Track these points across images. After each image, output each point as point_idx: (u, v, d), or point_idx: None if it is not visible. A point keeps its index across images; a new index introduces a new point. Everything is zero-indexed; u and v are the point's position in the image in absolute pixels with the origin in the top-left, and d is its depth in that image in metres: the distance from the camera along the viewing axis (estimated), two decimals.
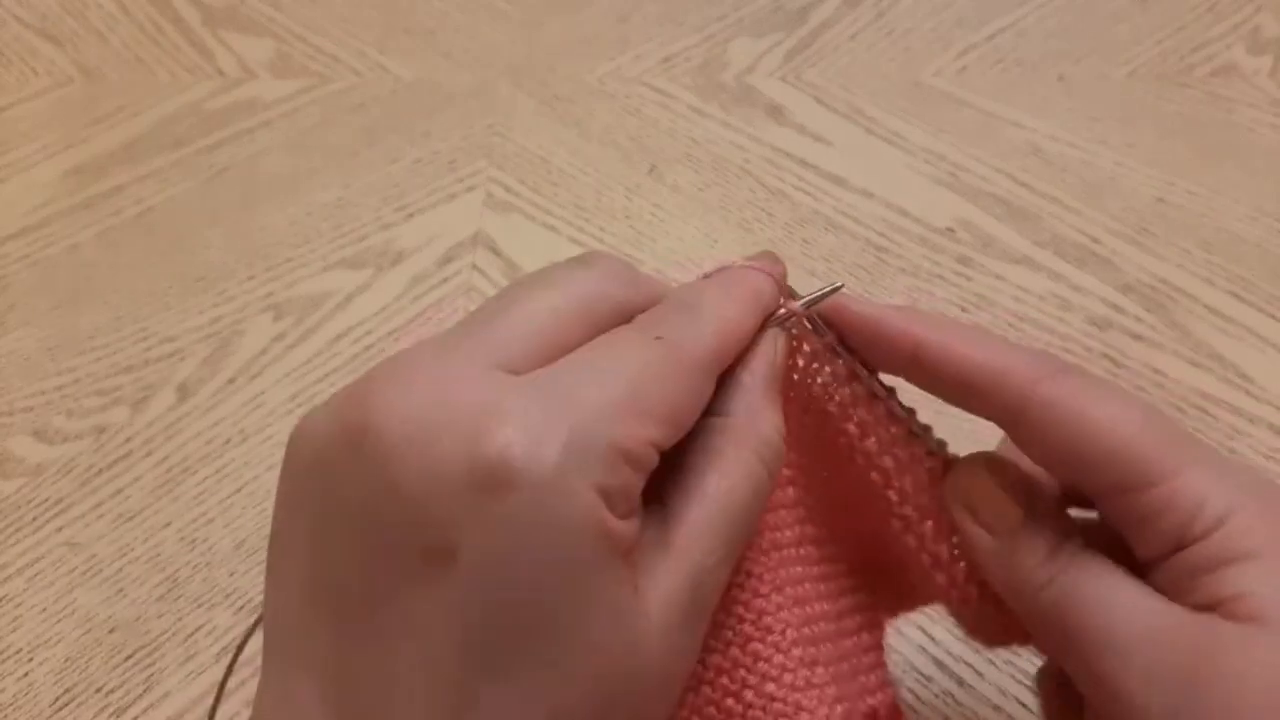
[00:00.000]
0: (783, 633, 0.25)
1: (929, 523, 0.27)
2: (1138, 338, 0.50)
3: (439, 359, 0.22)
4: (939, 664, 0.39)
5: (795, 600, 0.26)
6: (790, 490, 0.27)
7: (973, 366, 0.25)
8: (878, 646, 0.29)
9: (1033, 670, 0.39)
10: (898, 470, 0.27)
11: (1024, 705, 0.39)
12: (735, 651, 0.25)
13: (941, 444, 0.27)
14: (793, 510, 0.27)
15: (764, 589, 0.25)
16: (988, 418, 0.26)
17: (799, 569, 0.27)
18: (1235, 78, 0.63)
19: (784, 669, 0.25)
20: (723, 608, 0.25)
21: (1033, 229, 0.55)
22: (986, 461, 0.27)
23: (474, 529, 0.20)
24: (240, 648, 0.35)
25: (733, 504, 0.23)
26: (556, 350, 0.22)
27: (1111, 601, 0.23)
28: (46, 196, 0.58)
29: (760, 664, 0.25)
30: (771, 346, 0.26)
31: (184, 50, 0.67)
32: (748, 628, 0.25)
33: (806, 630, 0.26)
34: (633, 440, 0.21)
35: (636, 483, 0.22)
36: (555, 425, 0.20)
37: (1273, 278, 0.52)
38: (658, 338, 0.23)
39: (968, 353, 0.25)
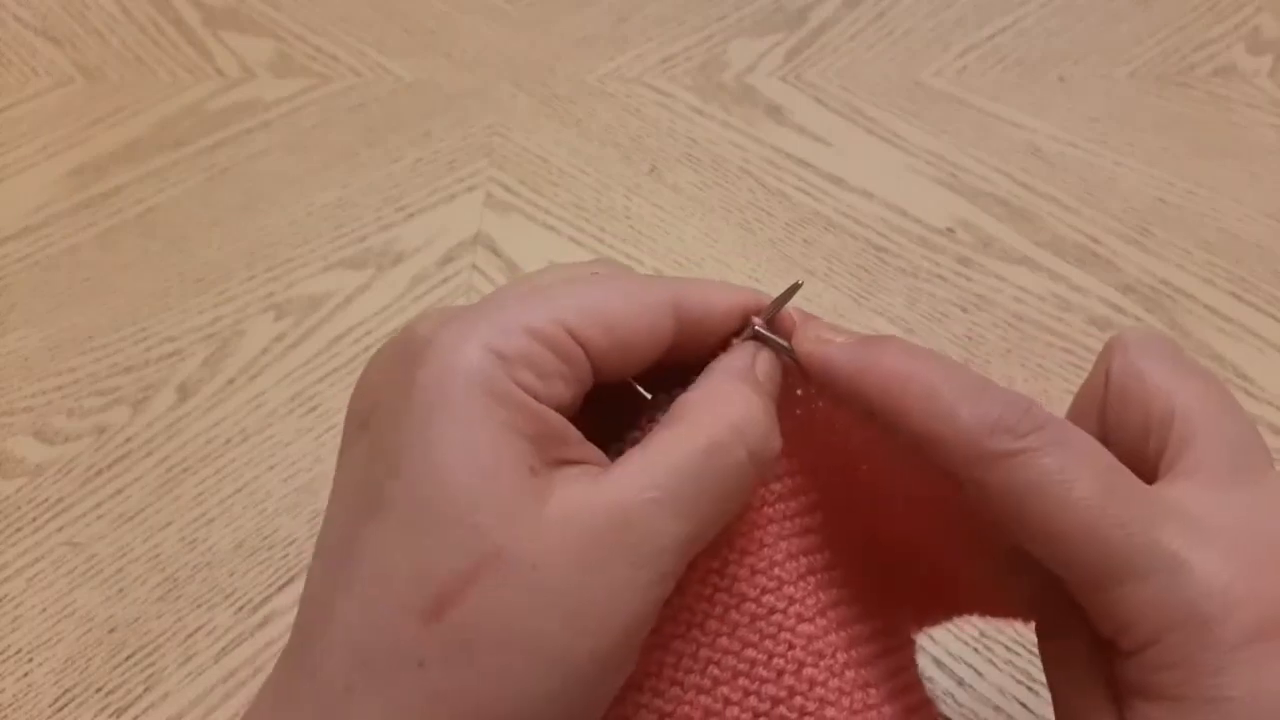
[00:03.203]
0: (834, 656, 0.25)
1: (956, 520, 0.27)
2: None
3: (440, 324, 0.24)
4: (939, 664, 0.39)
5: (839, 623, 0.26)
6: (819, 515, 0.27)
7: (926, 434, 0.23)
8: (913, 663, 0.29)
9: (1033, 670, 0.39)
10: (915, 480, 0.26)
11: (1024, 705, 0.39)
12: (790, 680, 0.24)
13: None
14: (821, 535, 0.27)
15: (809, 613, 0.25)
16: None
17: (836, 591, 0.26)
18: (1235, 78, 0.63)
19: (841, 692, 0.25)
20: (770, 638, 0.25)
21: (1033, 229, 0.55)
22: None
23: (385, 395, 0.22)
24: None
25: (678, 454, 0.22)
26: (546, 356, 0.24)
27: (1071, 687, 0.24)
28: (47, 196, 0.58)
29: (817, 689, 0.24)
30: (748, 350, 0.25)
31: (184, 50, 0.67)
32: (799, 653, 0.25)
33: (855, 653, 0.25)
34: (540, 319, 0.22)
35: (545, 356, 0.22)
36: (475, 310, 0.23)
37: (1273, 278, 0.52)
38: (594, 273, 0.25)
39: (923, 418, 0.23)
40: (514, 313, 0.23)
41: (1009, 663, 0.40)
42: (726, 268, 0.54)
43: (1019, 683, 0.39)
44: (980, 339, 0.50)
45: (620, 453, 0.23)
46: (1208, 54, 0.65)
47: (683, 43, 0.67)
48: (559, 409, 0.23)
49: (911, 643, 0.30)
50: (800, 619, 0.25)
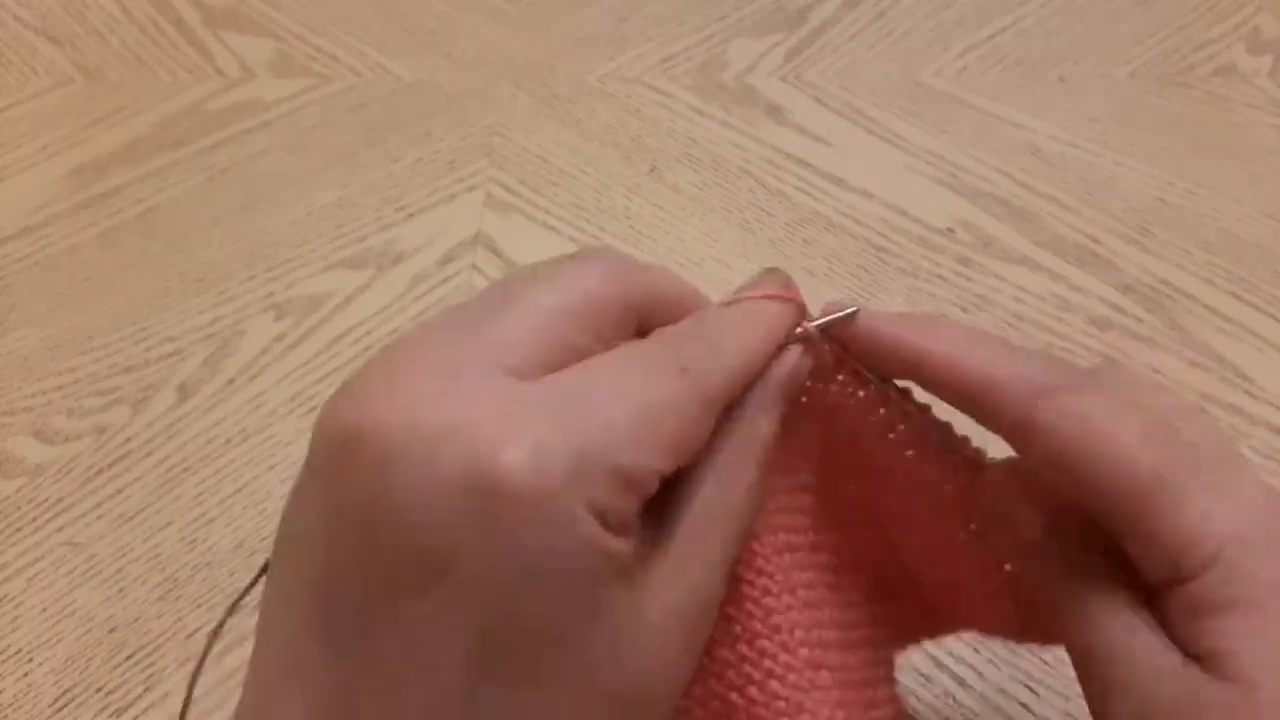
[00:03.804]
0: (790, 632, 0.25)
1: (971, 526, 0.27)
2: (1138, 338, 0.50)
3: (441, 358, 0.21)
4: (939, 664, 0.39)
5: (806, 603, 0.26)
6: (807, 497, 0.27)
7: (969, 380, 0.24)
8: (887, 663, 0.29)
9: (1033, 670, 0.39)
10: (934, 481, 0.26)
11: (1024, 705, 0.39)
12: (743, 648, 0.25)
13: (979, 452, 0.27)
14: (809, 516, 0.27)
15: (774, 588, 0.25)
16: (993, 431, 0.25)
17: (811, 574, 0.27)
18: (1235, 78, 0.63)
19: (789, 668, 0.25)
20: (732, 603, 0.25)
21: (1033, 229, 0.55)
22: (1014, 467, 0.26)
23: (471, 544, 0.20)
24: (222, 620, 0.34)
25: (728, 510, 0.23)
26: (562, 353, 0.22)
27: (1112, 642, 0.23)
28: (47, 196, 0.58)
29: (766, 661, 0.25)
30: (784, 363, 0.25)
31: (184, 50, 0.67)
32: (756, 624, 0.25)
33: (815, 634, 0.26)
34: (638, 468, 0.21)
35: (633, 505, 0.21)
36: (560, 440, 0.20)
37: (1273, 278, 0.52)
38: (682, 369, 0.22)
39: (963, 365, 0.24)
40: (614, 450, 0.21)
41: (1009, 663, 0.40)
42: (726, 268, 0.54)
43: (1019, 683, 0.39)
44: None
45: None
46: (1208, 54, 0.65)
47: (683, 43, 0.67)
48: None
49: (892, 646, 0.30)
50: (766, 592, 0.25)
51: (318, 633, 0.21)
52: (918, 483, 0.27)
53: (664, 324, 0.25)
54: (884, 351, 0.26)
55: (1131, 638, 0.22)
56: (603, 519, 0.20)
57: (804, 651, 0.25)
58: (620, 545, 0.21)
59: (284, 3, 0.70)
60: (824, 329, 0.26)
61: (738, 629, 0.25)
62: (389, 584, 0.20)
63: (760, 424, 0.25)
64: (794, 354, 0.26)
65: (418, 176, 0.59)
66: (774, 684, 0.25)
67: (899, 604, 0.29)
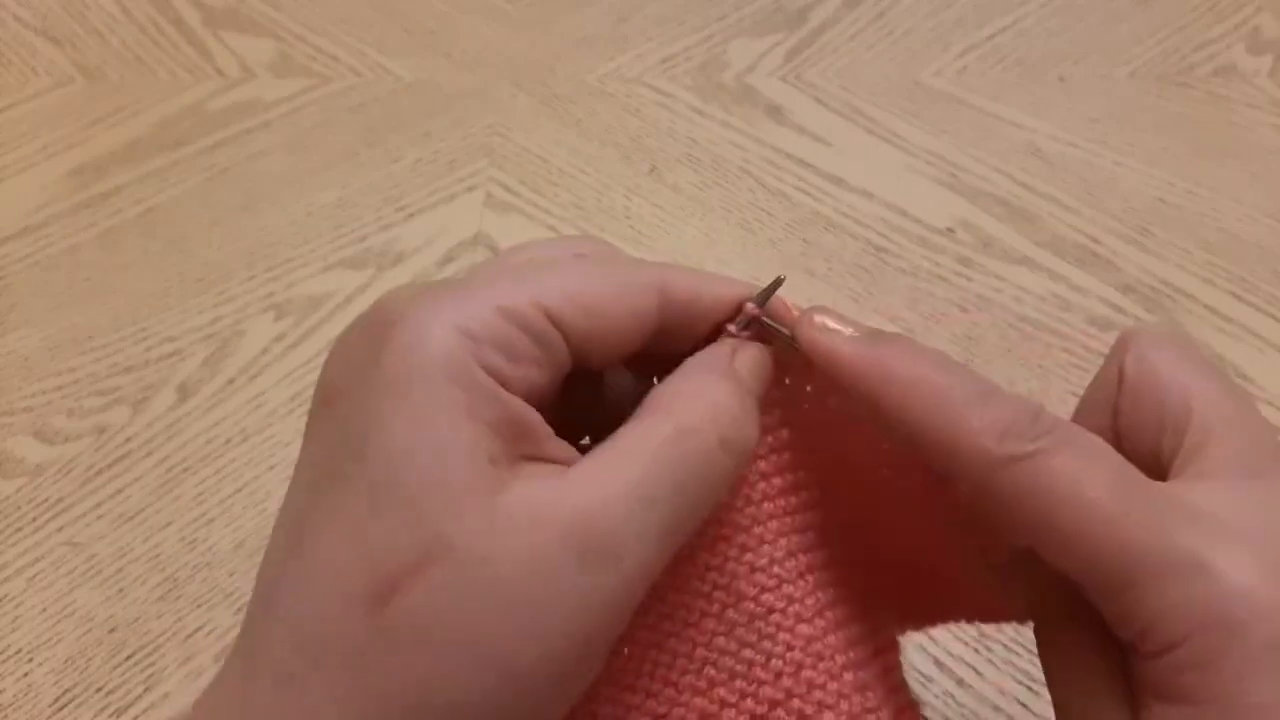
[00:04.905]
0: (833, 658, 0.24)
1: (950, 518, 0.27)
2: None
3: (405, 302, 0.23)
4: (939, 664, 0.39)
5: (837, 624, 0.25)
6: (814, 512, 0.27)
7: (932, 436, 0.22)
8: (899, 664, 0.28)
9: (1033, 670, 0.39)
10: (914, 475, 0.26)
11: (1024, 705, 0.39)
12: (787, 681, 0.24)
13: None
14: (818, 532, 0.26)
15: (807, 614, 0.24)
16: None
17: (834, 591, 0.26)
18: (1235, 78, 0.63)
19: (840, 695, 0.24)
20: (768, 638, 0.24)
21: (1033, 229, 0.55)
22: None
23: (351, 373, 0.22)
24: None
25: (646, 447, 0.22)
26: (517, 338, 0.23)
27: (1077, 663, 0.23)
28: (47, 196, 0.58)
29: (815, 693, 0.24)
30: (729, 343, 0.25)
31: (184, 50, 0.67)
32: (798, 655, 0.24)
33: (852, 654, 0.25)
34: (514, 299, 0.22)
35: (517, 338, 0.22)
36: (447, 288, 0.22)
37: (1273, 278, 0.52)
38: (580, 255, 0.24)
39: (930, 419, 0.22)
40: (487, 292, 0.22)
41: (1009, 663, 0.40)
42: (726, 268, 0.54)
43: (1019, 683, 0.39)
44: (980, 339, 0.50)
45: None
46: (1208, 54, 0.65)
47: (683, 43, 0.67)
48: (531, 393, 0.22)
49: (898, 643, 0.30)
50: (799, 619, 0.24)
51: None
52: (904, 474, 0.26)
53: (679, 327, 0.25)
54: (841, 381, 0.24)
55: (1088, 698, 0.23)
56: (473, 341, 0.21)
57: (849, 675, 0.24)
58: (488, 383, 0.21)
59: (284, 3, 0.70)
60: (762, 300, 0.25)
61: (778, 662, 0.24)
62: (309, 426, 0.23)
63: (708, 377, 0.23)
64: (752, 348, 0.25)
65: (418, 176, 0.59)
66: (828, 715, 0.24)
67: (906, 593, 0.29)
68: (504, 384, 0.21)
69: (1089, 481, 0.21)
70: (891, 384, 0.23)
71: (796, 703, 0.24)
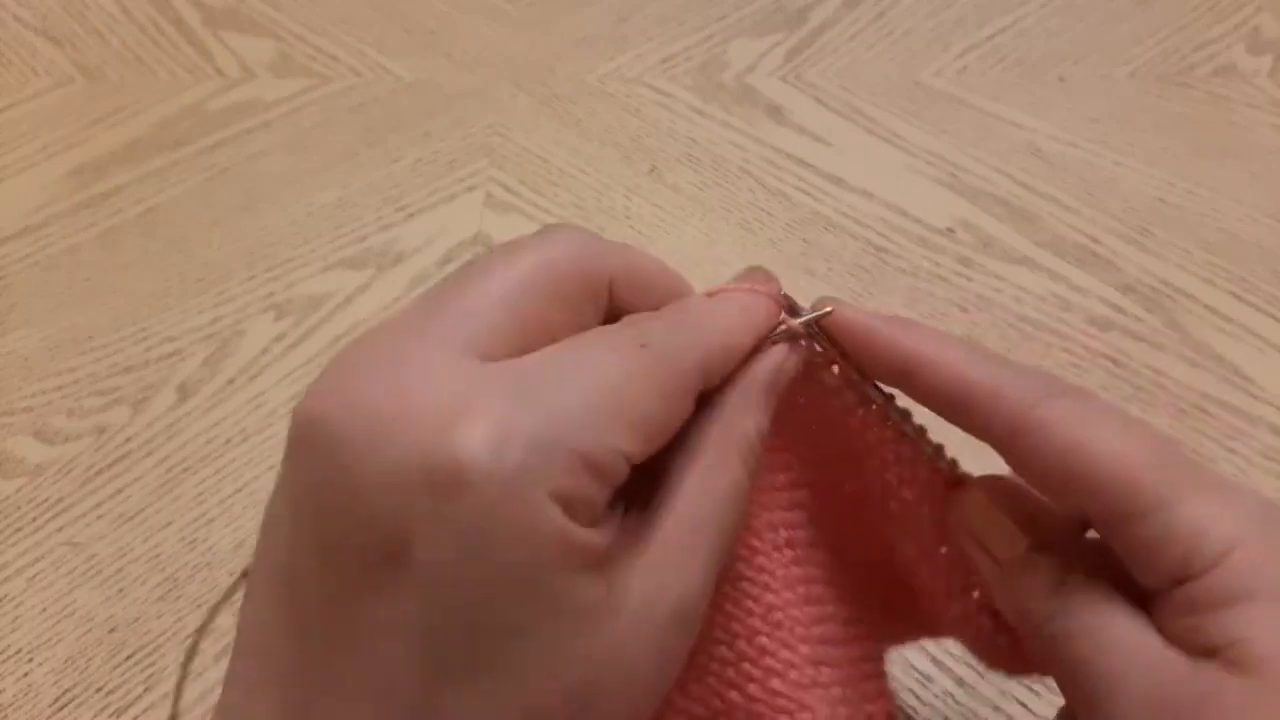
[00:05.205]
0: (791, 629, 0.25)
1: (942, 549, 0.26)
2: (1138, 338, 0.50)
3: (401, 342, 0.21)
4: (939, 664, 0.39)
5: (806, 599, 0.26)
6: (805, 493, 0.27)
7: (964, 385, 0.24)
8: (878, 656, 0.29)
9: None
10: (911, 494, 0.26)
11: (1024, 705, 0.39)
12: (742, 645, 0.25)
13: (953, 463, 0.26)
14: (807, 512, 0.27)
15: (775, 585, 0.25)
16: (981, 438, 0.24)
17: (811, 569, 0.26)
18: (1235, 78, 0.63)
19: (790, 665, 0.25)
20: (731, 601, 0.25)
21: (1033, 229, 0.55)
22: (994, 484, 0.26)
23: (428, 530, 0.19)
24: (199, 631, 0.34)
25: (712, 502, 0.23)
26: (526, 329, 0.22)
27: (1111, 645, 0.22)
28: (47, 196, 0.58)
29: (766, 658, 0.25)
30: (768, 360, 0.25)
31: (184, 50, 0.67)
32: (756, 621, 0.25)
33: (816, 630, 0.25)
34: (600, 449, 0.20)
35: (601, 492, 0.21)
36: (519, 426, 0.19)
37: (1273, 278, 0.52)
38: (643, 345, 0.22)
39: (960, 371, 0.24)
40: (573, 432, 0.20)
41: None
42: (726, 268, 0.54)
43: (1019, 683, 0.39)
44: (980, 339, 0.50)
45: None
46: (1208, 54, 0.65)
47: (683, 43, 0.67)
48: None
49: (884, 643, 0.30)
50: (766, 589, 0.25)
51: (284, 624, 0.21)
52: (899, 499, 0.27)
53: (639, 308, 0.24)
54: (876, 354, 0.25)
55: (1135, 641, 0.22)
56: (568, 507, 0.20)
57: (804, 648, 0.25)
58: (586, 535, 0.20)
59: (284, 3, 0.70)
60: (811, 327, 0.26)
61: (736, 626, 0.25)
62: (343, 572, 0.20)
63: (745, 421, 0.24)
64: (778, 351, 0.25)
65: (418, 176, 0.59)
66: (775, 681, 0.24)
67: (893, 602, 0.29)
68: (573, 516, 0.20)
69: (1120, 420, 0.23)
70: (924, 344, 0.25)
71: (746, 666, 0.25)
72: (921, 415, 0.26)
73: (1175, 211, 0.56)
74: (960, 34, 0.67)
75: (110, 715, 0.40)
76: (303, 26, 0.68)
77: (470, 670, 0.20)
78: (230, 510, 0.45)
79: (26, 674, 0.41)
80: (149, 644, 0.41)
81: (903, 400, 0.26)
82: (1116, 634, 0.22)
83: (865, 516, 0.28)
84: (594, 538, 0.21)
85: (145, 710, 0.40)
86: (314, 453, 0.20)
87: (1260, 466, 0.45)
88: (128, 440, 0.48)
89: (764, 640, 0.25)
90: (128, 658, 0.41)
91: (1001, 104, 0.62)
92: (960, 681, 0.39)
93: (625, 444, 0.21)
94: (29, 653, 0.41)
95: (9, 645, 0.42)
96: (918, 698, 0.39)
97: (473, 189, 0.58)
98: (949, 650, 0.40)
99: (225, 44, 0.67)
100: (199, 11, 0.70)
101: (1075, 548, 0.24)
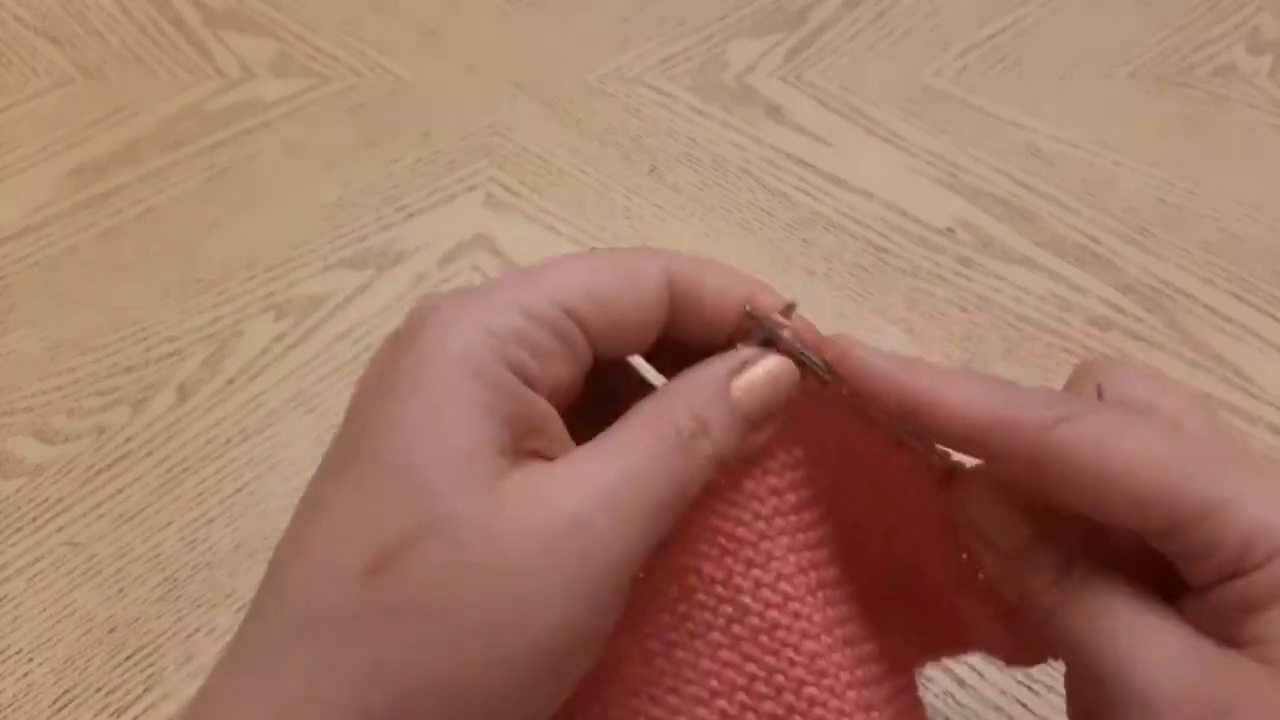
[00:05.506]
0: (837, 675, 0.24)
1: (963, 555, 0.26)
2: (1138, 338, 0.50)
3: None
4: (939, 664, 0.39)
5: (844, 641, 0.25)
6: (830, 528, 0.26)
7: (974, 420, 0.23)
8: (913, 686, 0.28)
9: (1033, 670, 0.39)
10: (916, 502, 0.26)
11: (1024, 705, 0.39)
12: (789, 698, 0.24)
13: (945, 455, 0.26)
14: (834, 549, 0.26)
15: (814, 630, 0.24)
16: (1004, 473, 0.24)
17: (844, 608, 0.26)
18: (1235, 78, 0.63)
19: (841, 714, 0.24)
20: (772, 653, 0.24)
21: (1033, 229, 0.55)
22: (991, 474, 0.25)
23: (380, 370, 0.23)
24: None
25: (633, 452, 0.23)
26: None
27: (1123, 630, 0.22)
28: (47, 196, 0.58)
29: (816, 709, 0.24)
30: (734, 356, 0.25)
31: (184, 50, 0.67)
32: (800, 672, 0.24)
33: (859, 672, 0.25)
34: (535, 298, 0.23)
35: (541, 336, 0.23)
36: (473, 291, 0.23)
37: (1273, 278, 0.52)
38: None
39: (966, 406, 0.23)
40: (510, 293, 0.23)
41: None
42: None
43: (1019, 683, 0.39)
44: (980, 339, 0.50)
45: None
46: (1208, 54, 0.65)
47: (683, 43, 0.67)
48: (557, 390, 0.23)
49: (911, 667, 0.29)
50: (805, 635, 0.24)
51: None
52: (913, 511, 0.26)
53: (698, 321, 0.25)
54: (883, 398, 0.24)
55: (1151, 626, 0.22)
56: (495, 339, 0.22)
57: (853, 694, 0.24)
58: (507, 378, 0.22)
59: (284, 3, 0.70)
60: (807, 356, 0.25)
61: (780, 678, 0.24)
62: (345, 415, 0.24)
63: (700, 393, 0.24)
64: (751, 354, 0.25)
65: (418, 176, 0.59)
66: None
67: (914, 625, 0.28)
68: (529, 381, 0.22)
69: (1142, 430, 0.22)
70: (928, 380, 0.24)
71: (798, 718, 0.24)
72: None
73: (1175, 211, 0.56)
74: (960, 34, 0.67)
75: (110, 715, 0.40)
76: (303, 26, 0.68)
77: (344, 465, 0.22)
78: (230, 510, 0.45)
79: (26, 674, 0.41)
80: (149, 644, 0.41)
81: None
82: (1128, 619, 0.22)
83: (883, 537, 0.27)
84: (524, 396, 0.22)
85: (145, 710, 0.40)
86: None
87: None
88: (128, 440, 0.48)
89: (811, 691, 0.24)
90: (128, 658, 0.41)
91: (1001, 104, 0.62)
92: (960, 681, 0.39)
93: (566, 295, 0.23)
94: (29, 653, 0.41)
95: (9, 645, 0.42)
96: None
97: (473, 189, 0.58)
98: None
99: (225, 44, 0.67)
100: (199, 11, 0.70)
101: (1078, 538, 0.24)
